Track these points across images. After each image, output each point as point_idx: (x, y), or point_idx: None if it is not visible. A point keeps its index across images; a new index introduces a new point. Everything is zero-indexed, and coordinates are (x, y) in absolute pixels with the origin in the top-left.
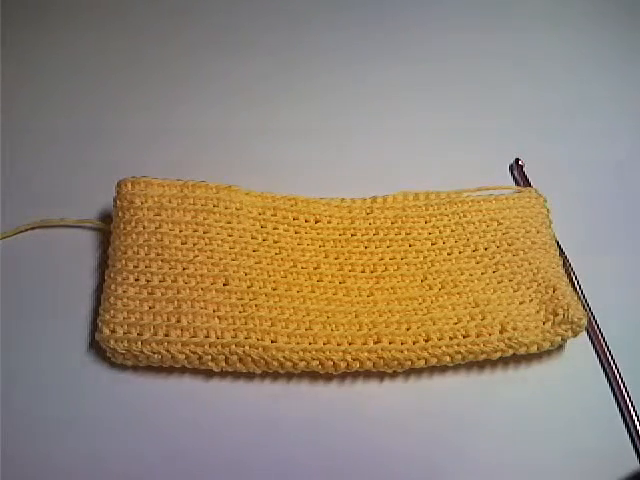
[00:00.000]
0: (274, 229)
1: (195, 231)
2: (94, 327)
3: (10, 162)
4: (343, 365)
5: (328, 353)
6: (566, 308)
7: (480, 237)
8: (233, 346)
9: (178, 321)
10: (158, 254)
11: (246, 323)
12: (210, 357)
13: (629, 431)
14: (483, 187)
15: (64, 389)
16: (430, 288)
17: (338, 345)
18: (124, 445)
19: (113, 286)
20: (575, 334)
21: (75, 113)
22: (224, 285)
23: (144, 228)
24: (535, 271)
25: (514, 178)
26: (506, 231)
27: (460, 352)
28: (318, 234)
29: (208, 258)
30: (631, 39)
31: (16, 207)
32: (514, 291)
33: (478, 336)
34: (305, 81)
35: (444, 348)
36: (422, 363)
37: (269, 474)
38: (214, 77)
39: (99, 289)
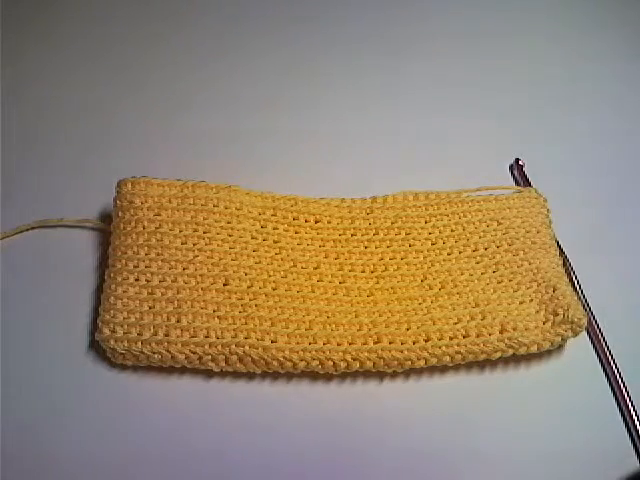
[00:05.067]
0: (274, 229)
1: (195, 231)
2: (94, 327)
3: (10, 162)
4: (343, 365)
5: (328, 353)
6: (566, 308)
7: (480, 237)
8: (233, 346)
9: (178, 321)
10: (158, 254)
11: (246, 323)
12: (210, 357)
13: (629, 431)
14: (483, 187)
15: (64, 389)
16: (430, 288)
17: (338, 345)
18: (124, 445)
19: (113, 286)
20: (575, 334)
21: (75, 113)
22: (224, 285)
23: (144, 228)
24: (535, 271)
25: (514, 178)
26: (506, 231)
27: (460, 352)
28: (318, 234)
29: (208, 258)
30: (632, 39)
31: (16, 207)
32: (514, 291)
33: (478, 336)
34: (305, 82)
35: (444, 348)
36: (422, 363)
37: (269, 474)
38: (215, 78)
39: (99, 289)
